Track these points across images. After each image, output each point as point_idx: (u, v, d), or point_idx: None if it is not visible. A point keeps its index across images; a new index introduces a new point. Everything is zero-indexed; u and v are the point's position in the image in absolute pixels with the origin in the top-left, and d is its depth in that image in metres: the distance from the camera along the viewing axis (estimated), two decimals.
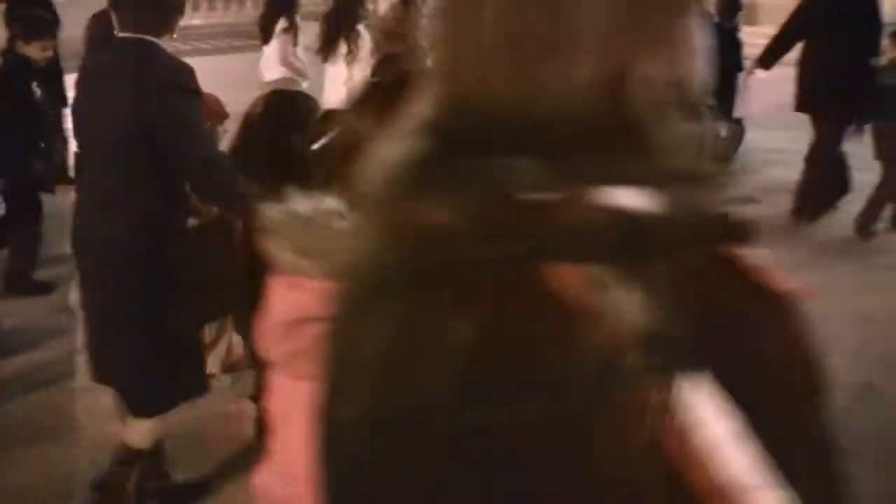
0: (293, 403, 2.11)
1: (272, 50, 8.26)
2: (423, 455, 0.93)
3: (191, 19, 17.99)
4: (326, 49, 7.75)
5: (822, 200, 8.08)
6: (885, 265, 7.18)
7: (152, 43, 3.70)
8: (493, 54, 0.93)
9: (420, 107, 1.00)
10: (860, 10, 7.83)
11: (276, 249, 2.18)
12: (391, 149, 1.03)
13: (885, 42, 7.87)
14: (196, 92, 3.77)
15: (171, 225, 3.81)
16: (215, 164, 3.73)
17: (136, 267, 3.67)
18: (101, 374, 3.94)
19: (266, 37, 8.39)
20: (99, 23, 6.45)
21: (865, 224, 7.80)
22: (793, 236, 7.50)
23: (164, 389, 3.87)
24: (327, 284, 1.24)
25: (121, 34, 3.73)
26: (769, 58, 8.26)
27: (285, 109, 4.29)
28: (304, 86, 7.79)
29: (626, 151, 0.91)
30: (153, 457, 4.00)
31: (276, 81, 7.77)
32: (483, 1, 0.93)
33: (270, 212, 2.19)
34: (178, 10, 3.88)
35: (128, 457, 3.95)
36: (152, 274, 3.69)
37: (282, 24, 8.20)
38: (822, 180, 8.04)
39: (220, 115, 4.74)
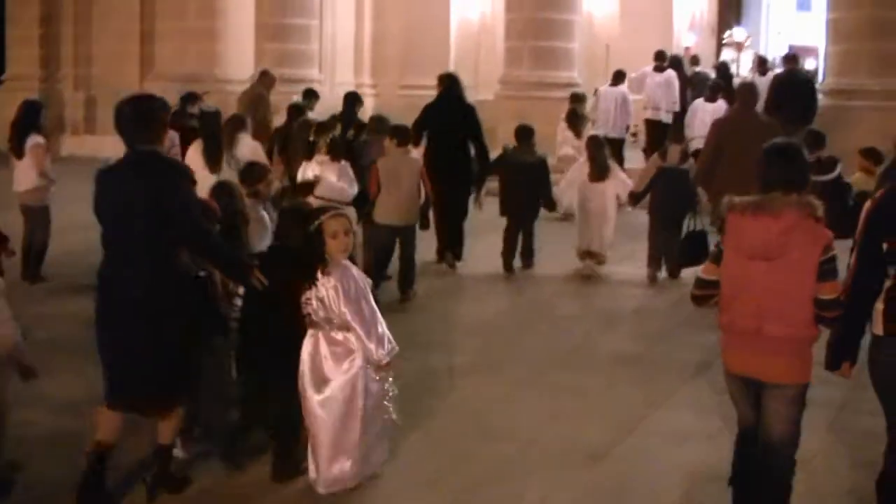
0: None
1: (26, 164, 10.34)
2: None
3: None
4: (214, 162, 9.26)
5: None
6: None
7: (159, 152, 5.43)
8: None
9: None
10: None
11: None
12: None
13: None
14: (193, 182, 5.46)
15: (174, 276, 5.32)
16: (207, 232, 5.59)
17: (153, 304, 5.20)
18: (122, 398, 5.35)
19: (19, 153, 10.39)
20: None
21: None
22: None
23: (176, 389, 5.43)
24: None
25: (133, 147, 5.31)
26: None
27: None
28: (52, 190, 10.60)
29: None
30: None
31: (29, 191, 10.32)
32: None
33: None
34: (166, 126, 5.60)
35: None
36: (164, 307, 5.23)
37: (33, 140, 10.28)
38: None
39: None
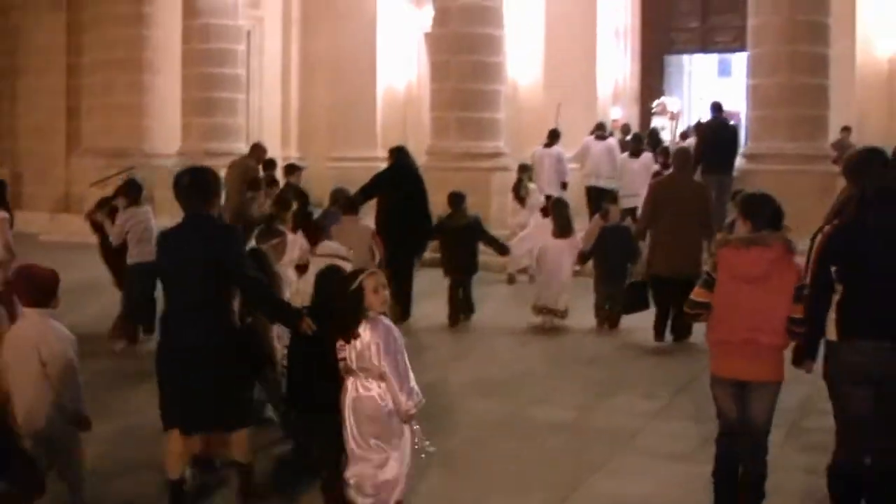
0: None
1: None
2: None
3: None
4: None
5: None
6: None
7: (213, 216, 6.25)
8: None
9: None
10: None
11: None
12: None
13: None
14: (243, 241, 6.54)
15: (231, 321, 6.23)
16: (262, 283, 6.40)
17: (216, 345, 6.04)
18: (190, 425, 6.15)
19: None
20: None
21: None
22: None
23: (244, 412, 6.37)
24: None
25: (191, 213, 6.15)
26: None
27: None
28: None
29: None
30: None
31: None
32: None
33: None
34: (219, 194, 6.40)
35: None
36: (226, 349, 6.08)
37: None
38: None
39: None
